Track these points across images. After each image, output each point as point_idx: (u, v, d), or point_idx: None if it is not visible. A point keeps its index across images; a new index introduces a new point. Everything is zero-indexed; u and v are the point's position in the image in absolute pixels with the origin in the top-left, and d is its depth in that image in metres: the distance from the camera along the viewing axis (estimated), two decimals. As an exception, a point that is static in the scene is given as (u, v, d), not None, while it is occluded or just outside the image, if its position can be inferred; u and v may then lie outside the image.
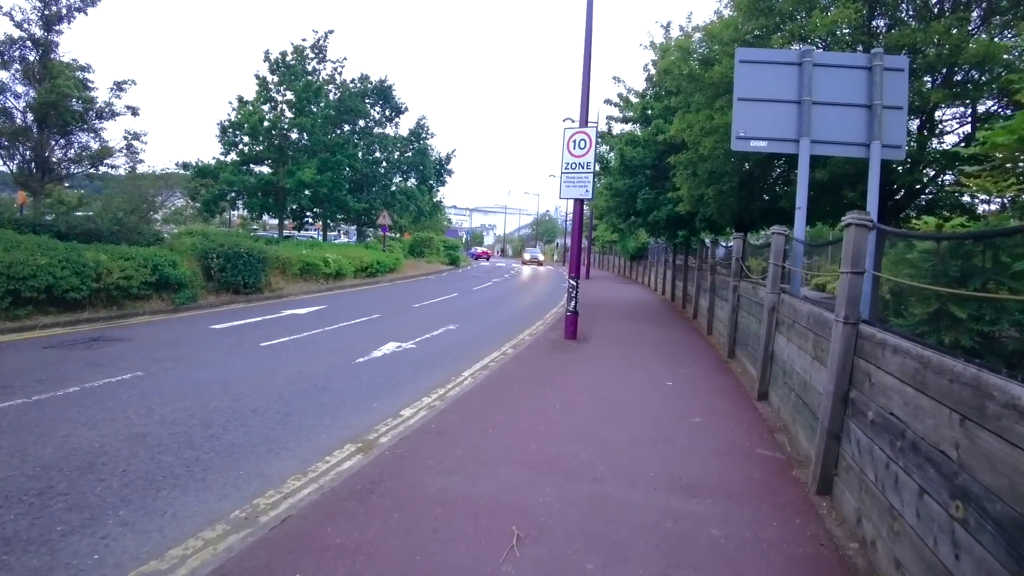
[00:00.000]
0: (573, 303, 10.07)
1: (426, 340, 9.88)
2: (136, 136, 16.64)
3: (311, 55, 26.42)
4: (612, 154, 16.29)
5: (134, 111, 16.37)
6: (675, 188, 11.33)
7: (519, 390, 6.51)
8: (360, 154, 29.03)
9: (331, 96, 27.94)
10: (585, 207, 24.66)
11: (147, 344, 8.40)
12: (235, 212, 34.30)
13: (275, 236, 25.74)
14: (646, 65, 14.76)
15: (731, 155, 8.72)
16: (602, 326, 12.20)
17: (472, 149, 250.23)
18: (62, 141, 15.35)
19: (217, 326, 10.42)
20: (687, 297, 15.78)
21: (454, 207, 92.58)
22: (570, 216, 65.75)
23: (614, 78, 16.13)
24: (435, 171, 31.79)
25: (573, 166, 9.87)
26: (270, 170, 24.83)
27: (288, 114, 25.20)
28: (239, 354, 8.07)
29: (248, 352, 8.24)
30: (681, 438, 5.14)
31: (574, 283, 10.07)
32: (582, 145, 9.80)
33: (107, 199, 15.30)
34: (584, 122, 9.87)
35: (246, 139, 24.29)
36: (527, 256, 49.84)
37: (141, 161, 17.12)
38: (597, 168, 17.49)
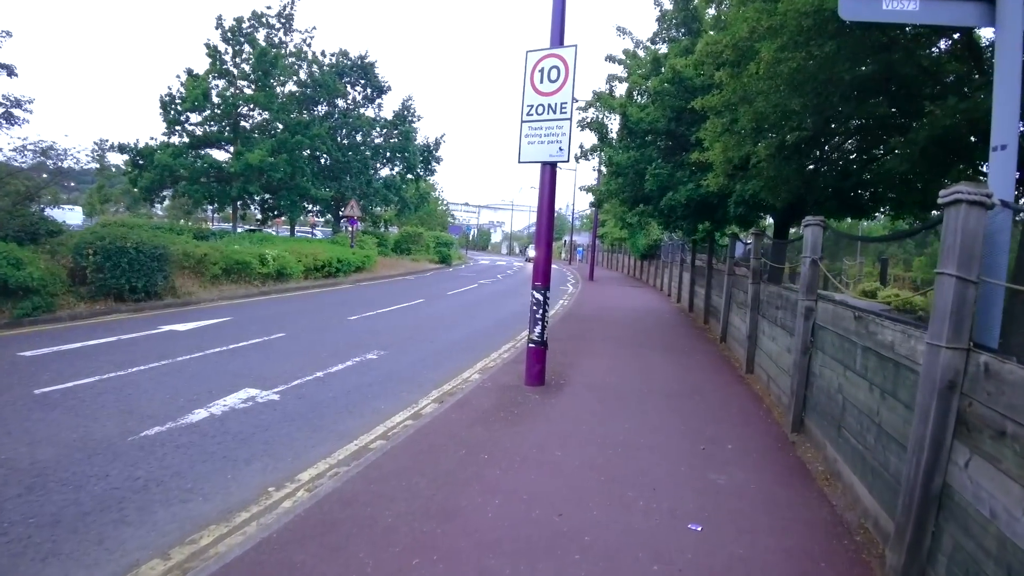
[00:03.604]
0: (539, 329, 6.38)
1: (308, 384, 6.32)
2: (17, 103, 13.17)
3: (276, 24, 23.02)
4: (615, 121, 12.50)
5: (10, 71, 12.90)
6: (702, 150, 7.47)
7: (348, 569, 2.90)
8: (338, 138, 25.54)
9: (300, 72, 24.54)
10: (587, 193, 21.10)
11: None
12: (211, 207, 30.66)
13: (229, 230, 22.31)
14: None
15: (807, 77, 4.93)
16: (592, 355, 8.53)
17: (487, 147, 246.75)
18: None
19: (29, 353, 7.09)
20: (710, 310, 12.00)
21: (466, 204, 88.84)
22: (579, 213, 60.84)
23: (618, 29, 12.40)
24: (422, 158, 28.13)
25: (540, 109, 6.19)
26: (230, 155, 21.51)
27: (248, 91, 21.81)
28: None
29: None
30: None
31: (540, 297, 6.38)
32: (553, 76, 6.13)
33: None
34: (558, 39, 6.16)
35: (193, 117, 20.85)
36: (530, 253, 49.15)
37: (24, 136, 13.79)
38: (595, 140, 13.70)
